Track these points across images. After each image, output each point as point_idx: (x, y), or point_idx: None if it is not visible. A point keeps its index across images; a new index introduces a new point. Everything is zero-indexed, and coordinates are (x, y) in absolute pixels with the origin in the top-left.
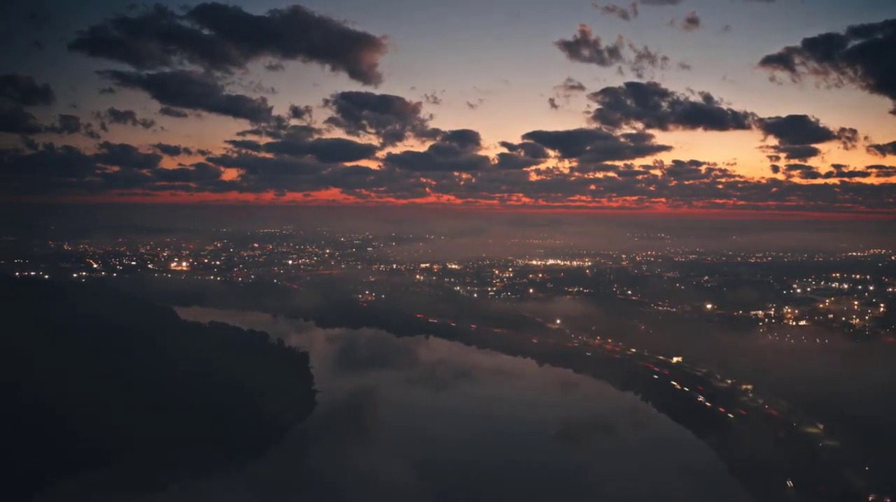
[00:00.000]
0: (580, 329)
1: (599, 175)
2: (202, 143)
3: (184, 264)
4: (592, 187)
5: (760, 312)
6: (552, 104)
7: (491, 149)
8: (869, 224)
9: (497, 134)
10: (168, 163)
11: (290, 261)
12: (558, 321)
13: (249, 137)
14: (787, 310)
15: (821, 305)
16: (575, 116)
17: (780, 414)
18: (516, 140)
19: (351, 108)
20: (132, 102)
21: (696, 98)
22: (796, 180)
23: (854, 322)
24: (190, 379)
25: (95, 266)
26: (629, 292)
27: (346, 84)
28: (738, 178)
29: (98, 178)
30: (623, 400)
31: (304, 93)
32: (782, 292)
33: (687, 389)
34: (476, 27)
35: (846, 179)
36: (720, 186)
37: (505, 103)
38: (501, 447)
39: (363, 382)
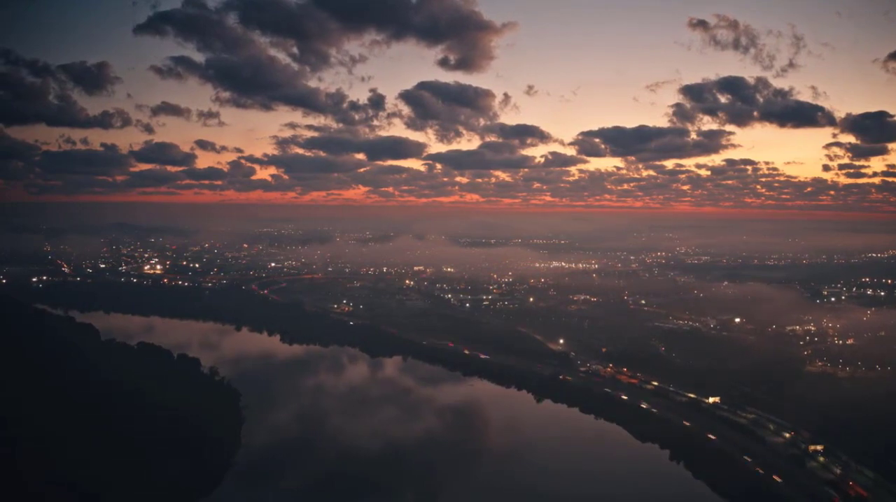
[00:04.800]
0: (588, 351)
1: (644, 174)
2: (251, 139)
3: (158, 267)
4: (625, 187)
5: (797, 327)
6: (635, 99)
7: (552, 146)
8: (889, 224)
9: (569, 129)
10: (203, 160)
11: (273, 264)
12: (561, 341)
13: (287, 133)
14: (827, 323)
15: (864, 317)
16: (662, 110)
17: (870, 496)
18: (584, 136)
19: (425, 100)
20: (191, 93)
21: (802, 95)
22: (840, 179)
23: None
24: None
25: (64, 269)
26: (642, 301)
27: (446, 73)
28: (778, 178)
29: (126, 177)
30: (645, 456)
31: (397, 79)
32: (815, 301)
33: (731, 444)
34: (606, 12)
35: (891, 179)
36: (757, 187)
37: (599, 96)
38: None
39: (309, 427)
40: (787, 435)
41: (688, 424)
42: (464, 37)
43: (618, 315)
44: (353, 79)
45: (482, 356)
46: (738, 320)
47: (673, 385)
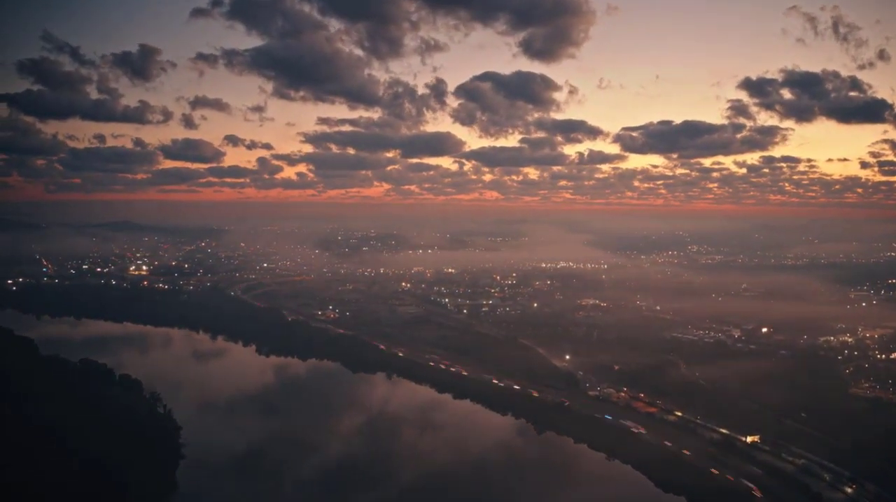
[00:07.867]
0: (598, 369)
1: (677, 172)
2: (286, 134)
3: (143, 268)
4: (651, 184)
5: (831, 338)
6: (703, 94)
7: (596, 143)
8: None
9: (628, 125)
10: (231, 157)
11: (265, 265)
12: (568, 356)
13: (321, 128)
14: (863, 333)
15: None
16: (723, 105)
17: None
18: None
19: (484, 92)
20: (234, 86)
21: (879, 91)
22: (876, 177)
23: None
24: None
25: (45, 269)
26: (657, 307)
27: (523, 62)
28: (811, 175)
29: (148, 175)
30: None
31: (465, 69)
32: (845, 306)
33: None
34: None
35: None
36: (785, 184)
37: (674, 90)
38: None
39: (258, 476)
40: (849, 489)
41: (722, 472)
42: (558, 22)
43: (631, 323)
44: (425, 69)
45: (476, 375)
46: (764, 330)
47: (700, 416)
